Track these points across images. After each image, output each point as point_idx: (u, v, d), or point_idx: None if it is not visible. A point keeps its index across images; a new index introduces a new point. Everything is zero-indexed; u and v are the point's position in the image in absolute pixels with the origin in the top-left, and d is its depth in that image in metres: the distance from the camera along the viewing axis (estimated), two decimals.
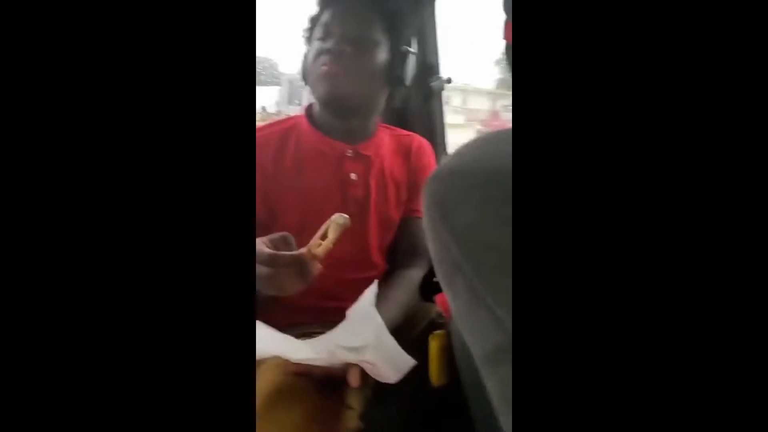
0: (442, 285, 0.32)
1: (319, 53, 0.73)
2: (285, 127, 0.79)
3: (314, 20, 0.78)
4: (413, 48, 0.79)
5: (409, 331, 0.73)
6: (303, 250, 0.54)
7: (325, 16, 0.75)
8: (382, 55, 0.75)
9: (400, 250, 0.85)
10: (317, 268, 0.55)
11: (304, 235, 0.55)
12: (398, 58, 0.76)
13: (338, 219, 0.55)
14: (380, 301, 0.59)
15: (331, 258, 0.76)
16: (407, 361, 0.55)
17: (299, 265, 0.54)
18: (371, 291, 0.57)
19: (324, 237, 0.54)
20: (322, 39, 0.74)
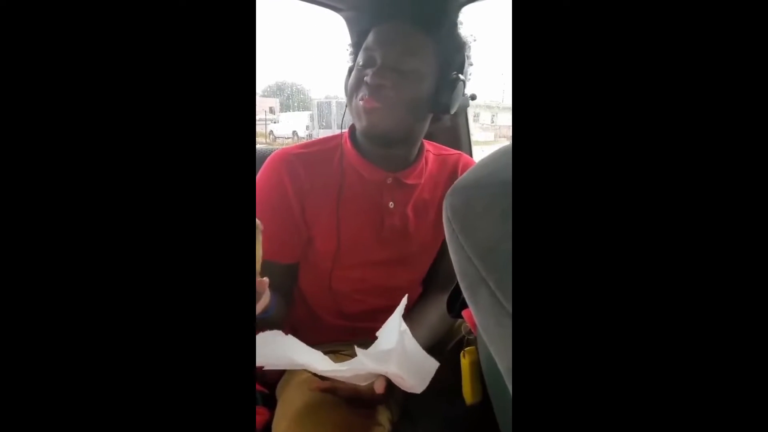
0: (466, 297, 0.32)
1: (359, 83, 0.68)
2: (331, 147, 0.76)
3: (358, 41, 0.72)
4: (465, 75, 0.72)
5: (439, 349, 0.72)
6: None
7: (369, 39, 0.69)
8: (427, 84, 0.69)
9: (440, 271, 0.82)
10: (261, 283, 0.51)
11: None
12: (446, 85, 0.70)
13: None
14: (413, 324, 0.58)
15: (371, 285, 0.73)
16: (431, 365, 0.55)
17: None
18: (401, 304, 0.58)
19: None
20: (363, 66, 0.68)
